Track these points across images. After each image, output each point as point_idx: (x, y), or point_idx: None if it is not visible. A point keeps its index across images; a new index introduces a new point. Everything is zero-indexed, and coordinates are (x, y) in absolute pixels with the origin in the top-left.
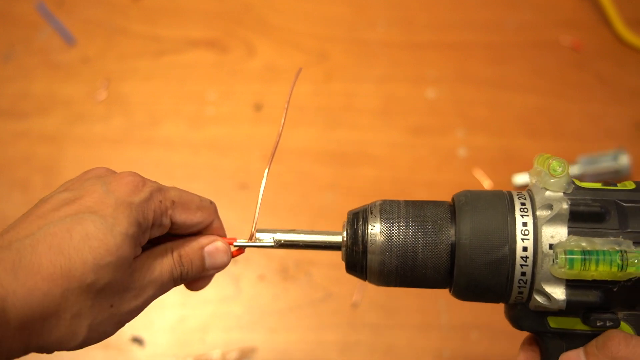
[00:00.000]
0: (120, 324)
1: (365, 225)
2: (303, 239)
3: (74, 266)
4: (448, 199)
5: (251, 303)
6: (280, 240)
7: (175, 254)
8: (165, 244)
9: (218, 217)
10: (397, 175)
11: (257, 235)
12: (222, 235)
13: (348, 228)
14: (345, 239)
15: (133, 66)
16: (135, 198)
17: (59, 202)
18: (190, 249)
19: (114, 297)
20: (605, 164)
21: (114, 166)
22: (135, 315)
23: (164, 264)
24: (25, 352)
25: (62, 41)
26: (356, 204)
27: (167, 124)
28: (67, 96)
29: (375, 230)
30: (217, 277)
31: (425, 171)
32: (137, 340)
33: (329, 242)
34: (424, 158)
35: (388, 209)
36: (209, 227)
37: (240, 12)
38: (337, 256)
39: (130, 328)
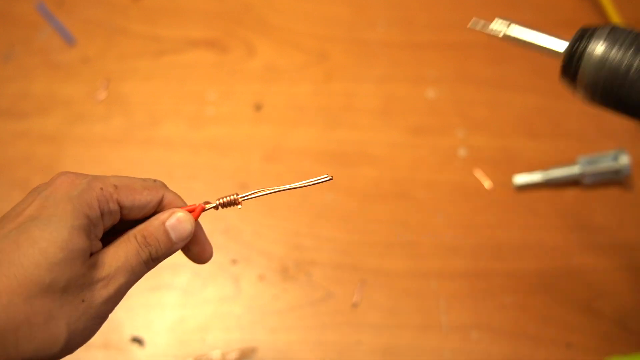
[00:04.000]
0: (100, 317)
1: (590, 39)
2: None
3: (28, 271)
4: (448, 199)
5: (251, 303)
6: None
7: (139, 236)
8: (128, 232)
9: (169, 191)
10: (397, 175)
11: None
12: (181, 206)
13: (575, 38)
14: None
15: (133, 66)
16: (73, 192)
17: (4, 222)
18: (152, 227)
19: (82, 291)
20: (605, 164)
21: (114, 166)
22: (113, 306)
23: (129, 248)
24: None
25: (62, 41)
26: (356, 204)
27: (167, 124)
28: (67, 96)
29: (599, 41)
30: (217, 277)
31: (425, 171)
32: (137, 341)
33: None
34: (424, 158)
35: (618, 31)
36: (163, 203)
37: (241, 12)
38: (337, 256)
39: (130, 328)
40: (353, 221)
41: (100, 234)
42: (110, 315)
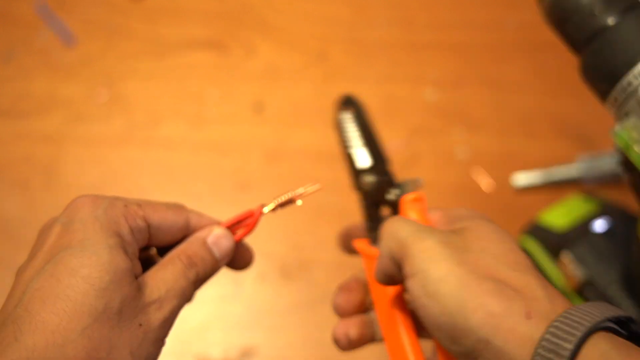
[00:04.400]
0: (159, 341)
1: None
2: None
3: (78, 302)
4: (448, 199)
5: (251, 302)
6: None
7: (183, 257)
8: (170, 253)
9: (192, 211)
10: (397, 175)
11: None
12: (210, 224)
13: None
14: None
15: (133, 66)
16: (97, 211)
17: (30, 263)
18: (194, 246)
19: (137, 315)
20: (606, 164)
21: (114, 166)
22: (169, 330)
23: (175, 269)
24: None
25: (62, 41)
26: (356, 203)
27: (168, 124)
28: (68, 96)
29: None
30: (217, 277)
31: (425, 171)
32: None
33: None
34: (424, 158)
35: None
36: (190, 224)
37: (241, 12)
38: (337, 256)
39: None
40: (353, 221)
41: (136, 253)
42: None
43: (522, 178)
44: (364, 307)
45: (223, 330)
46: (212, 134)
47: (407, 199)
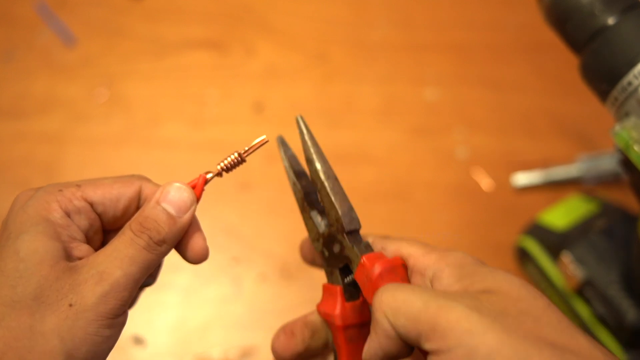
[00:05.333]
0: (104, 318)
1: None
2: None
3: None
4: (448, 199)
5: (252, 302)
6: None
7: (134, 225)
8: (123, 227)
9: (149, 182)
10: (397, 175)
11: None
12: None
13: None
14: None
15: (134, 67)
16: (27, 202)
17: None
18: (145, 211)
19: (66, 296)
20: (606, 164)
21: (114, 166)
22: (117, 303)
23: (121, 240)
24: None
25: (63, 41)
26: (356, 204)
27: (168, 125)
28: (68, 96)
29: None
30: (218, 277)
31: (425, 171)
32: (138, 340)
33: None
34: (424, 158)
35: None
36: (143, 195)
37: (241, 13)
38: None
39: (130, 328)
40: None
41: (78, 235)
42: None
43: (522, 178)
44: (308, 356)
45: (223, 330)
46: (212, 134)
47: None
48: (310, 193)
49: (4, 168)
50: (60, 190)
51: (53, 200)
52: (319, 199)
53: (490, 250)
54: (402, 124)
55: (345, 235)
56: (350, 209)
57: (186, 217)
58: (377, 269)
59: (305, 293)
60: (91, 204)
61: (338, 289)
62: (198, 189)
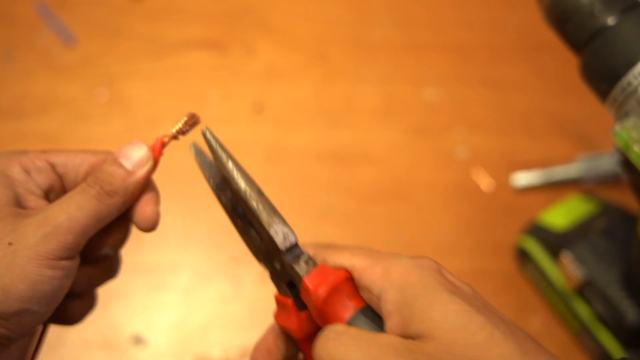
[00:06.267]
0: (39, 257)
1: None
2: None
3: None
4: (448, 199)
5: (252, 302)
6: None
7: (89, 179)
8: None
9: (113, 153)
10: (397, 175)
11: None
12: None
13: None
14: None
15: (134, 67)
16: None
17: None
18: (103, 166)
19: (9, 234)
20: (606, 164)
21: None
22: (55, 243)
23: (76, 189)
24: None
25: (63, 41)
26: (356, 204)
27: (168, 125)
28: (68, 96)
29: None
30: (218, 277)
31: (425, 171)
32: (138, 340)
33: None
34: (424, 158)
35: None
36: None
37: (241, 13)
38: None
39: (130, 327)
40: (353, 221)
41: (34, 189)
42: (110, 314)
43: (522, 178)
44: None
45: (223, 330)
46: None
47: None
48: (240, 205)
49: None
50: (25, 153)
51: (14, 158)
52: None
53: (490, 250)
54: (402, 124)
55: (282, 254)
56: (281, 224)
57: (141, 172)
58: (321, 293)
59: None
60: (53, 165)
61: (289, 301)
62: (156, 150)
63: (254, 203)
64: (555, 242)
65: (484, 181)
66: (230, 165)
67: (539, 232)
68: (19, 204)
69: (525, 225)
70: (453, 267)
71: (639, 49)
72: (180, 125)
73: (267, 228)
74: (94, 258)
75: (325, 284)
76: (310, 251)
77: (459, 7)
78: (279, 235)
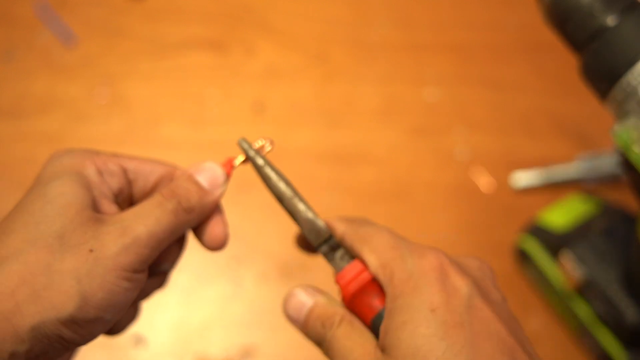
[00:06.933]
0: (122, 269)
1: None
2: None
3: (15, 232)
4: (447, 199)
5: (252, 302)
6: None
7: (165, 191)
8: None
9: (180, 168)
10: (397, 175)
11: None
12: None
13: None
14: None
15: (134, 67)
16: (63, 156)
17: None
18: (178, 180)
19: (89, 240)
20: (606, 164)
21: None
22: (137, 258)
23: (150, 201)
24: (27, 343)
25: (63, 41)
26: (356, 204)
27: (168, 125)
28: (68, 96)
29: None
30: (218, 277)
31: (425, 171)
32: (139, 340)
33: None
34: (424, 158)
35: None
36: (177, 174)
37: (241, 12)
38: None
39: (131, 327)
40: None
41: (108, 194)
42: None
43: (522, 178)
44: None
45: (223, 330)
46: (212, 134)
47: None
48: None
49: (4, 168)
50: (97, 154)
51: (88, 158)
52: None
53: (490, 250)
54: (402, 124)
55: (317, 249)
56: (312, 222)
57: (217, 192)
58: (349, 291)
59: None
60: (124, 170)
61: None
62: (227, 171)
63: (288, 204)
64: (555, 242)
65: (484, 181)
66: (266, 170)
67: (539, 232)
68: (95, 206)
69: (525, 225)
70: None
71: (639, 49)
72: (257, 146)
73: (303, 229)
74: (153, 272)
75: (354, 282)
76: (341, 228)
77: (459, 7)
78: (312, 233)
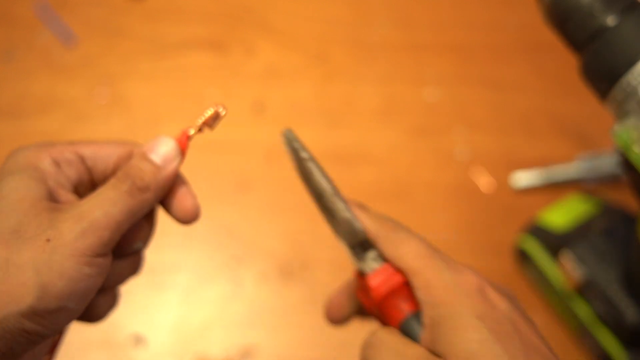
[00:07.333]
0: (81, 255)
1: None
2: None
3: None
4: (447, 199)
5: (252, 302)
6: None
7: (119, 173)
8: None
9: (140, 145)
10: (397, 175)
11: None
12: None
13: None
14: None
15: (134, 67)
16: (17, 153)
17: None
18: (132, 161)
19: (45, 231)
20: (606, 164)
21: None
22: (97, 241)
23: (107, 184)
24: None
25: (63, 41)
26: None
27: (168, 125)
28: (68, 96)
29: None
30: (218, 277)
31: (425, 171)
32: (138, 340)
33: None
34: (424, 158)
35: None
36: (135, 152)
37: (241, 12)
38: (338, 255)
39: (131, 327)
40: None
41: (64, 182)
42: (111, 314)
43: (522, 178)
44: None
45: (223, 330)
46: (212, 134)
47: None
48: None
49: None
50: (52, 145)
51: (44, 150)
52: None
53: (490, 250)
54: (402, 124)
55: (350, 249)
56: (349, 222)
57: (170, 167)
58: (379, 294)
59: (306, 292)
60: (82, 158)
61: (361, 281)
62: (182, 144)
63: (328, 202)
64: (555, 242)
65: (484, 181)
66: (309, 165)
67: (539, 232)
68: (51, 198)
69: (525, 225)
70: None
71: (639, 49)
72: (206, 116)
73: (338, 229)
74: (124, 253)
75: (384, 286)
76: (375, 228)
77: (459, 7)
78: (347, 236)
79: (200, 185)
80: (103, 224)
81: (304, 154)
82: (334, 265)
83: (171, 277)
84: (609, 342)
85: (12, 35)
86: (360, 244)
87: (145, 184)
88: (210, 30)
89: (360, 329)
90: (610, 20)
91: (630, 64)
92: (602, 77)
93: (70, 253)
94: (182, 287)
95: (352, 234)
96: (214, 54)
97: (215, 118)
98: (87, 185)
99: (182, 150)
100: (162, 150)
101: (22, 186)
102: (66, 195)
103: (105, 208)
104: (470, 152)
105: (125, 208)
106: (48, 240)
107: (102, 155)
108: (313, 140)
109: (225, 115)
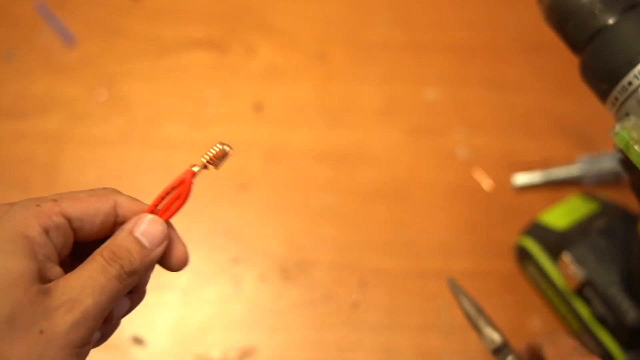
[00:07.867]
0: (73, 346)
1: None
2: None
3: None
4: (448, 199)
5: (251, 303)
6: None
7: (106, 252)
8: (94, 252)
9: (122, 195)
10: (397, 175)
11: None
12: (140, 210)
13: None
14: None
15: (134, 67)
16: (2, 218)
17: None
18: (118, 239)
19: (38, 322)
20: (606, 164)
21: (114, 167)
22: (87, 332)
23: (93, 267)
24: None
25: (62, 41)
26: (356, 204)
27: (168, 125)
28: (68, 96)
29: None
30: (218, 277)
31: (425, 171)
32: (138, 340)
33: None
34: (424, 158)
35: None
36: (119, 210)
37: (241, 12)
38: (337, 256)
39: (130, 328)
40: (353, 221)
41: (52, 255)
42: None
43: (522, 178)
44: None
45: (223, 331)
46: (212, 134)
47: None
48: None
49: (4, 168)
50: (38, 206)
51: (31, 215)
52: None
53: (490, 250)
54: (402, 124)
55: (493, 355)
56: (492, 333)
57: (158, 250)
58: None
59: (306, 293)
60: (69, 220)
61: None
62: (187, 183)
63: (474, 322)
64: (555, 242)
65: (484, 181)
66: (467, 307)
67: (539, 232)
68: (41, 276)
69: (525, 225)
70: (453, 267)
71: (639, 49)
72: (211, 154)
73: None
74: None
75: None
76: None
77: (459, 7)
78: (490, 345)
79: (200, 185)
80: (93, 314)
81: (463, 300)
82: (334, 266)
83: (170, 278)
84: (609, 342)
85: (12, 35)
86: (502, 351)
87: (134, 269)
88: (210, 30)
89: (360, 331)
90: (610, 20)
91: (631, 64)
92: (602, 77)
93: (62, 346)
94: (182, 288)
95: (492, 343)
96: (213, 54)
97: (221, 157)
98: (69, 245)
99: (187, 190)
100: (150, 231)
101: (15, 267)
102: (52, 269)
103: (95, 297)
104: (471, 152)
105: (113, 294)
106: (41, 332)
107: (89, 214)
108: (313, 140)
109: (231, 154)
